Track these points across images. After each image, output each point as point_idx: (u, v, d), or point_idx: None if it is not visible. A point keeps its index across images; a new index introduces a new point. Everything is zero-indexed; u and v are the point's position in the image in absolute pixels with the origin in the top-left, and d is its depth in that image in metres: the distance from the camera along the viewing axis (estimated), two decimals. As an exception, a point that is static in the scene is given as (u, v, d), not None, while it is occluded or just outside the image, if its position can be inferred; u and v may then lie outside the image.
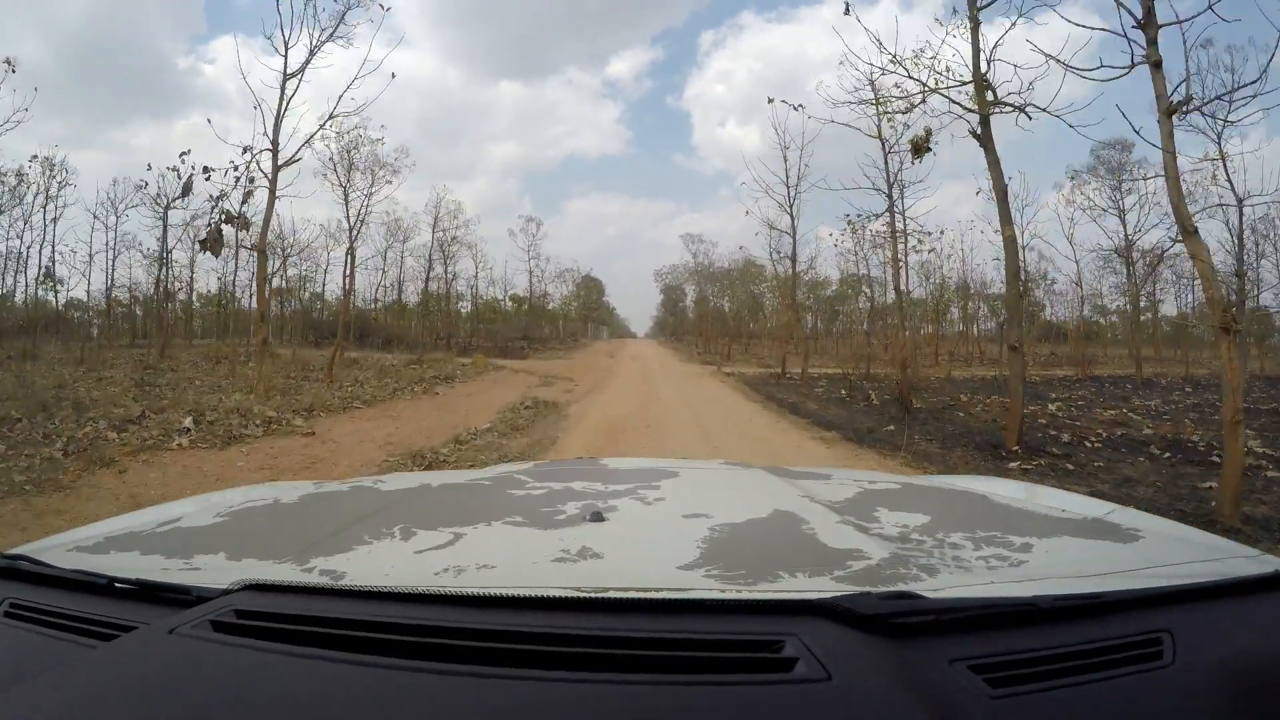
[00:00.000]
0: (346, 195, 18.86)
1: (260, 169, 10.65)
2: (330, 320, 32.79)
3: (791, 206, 15.76)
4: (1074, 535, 0.98)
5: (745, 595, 0.66)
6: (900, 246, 12.22)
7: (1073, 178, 21.36)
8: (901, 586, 0.68)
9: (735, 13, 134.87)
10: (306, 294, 31.39)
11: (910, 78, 7.28)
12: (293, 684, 0.54)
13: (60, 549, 0.92)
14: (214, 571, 0.80)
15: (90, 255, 23.73)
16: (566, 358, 28.77)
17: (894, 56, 7.27)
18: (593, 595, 0.64)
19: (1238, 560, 0.86)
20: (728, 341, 28.44)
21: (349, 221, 19.12)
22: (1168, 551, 0.91)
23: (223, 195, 11.13)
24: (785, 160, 15.47)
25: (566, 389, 13.43)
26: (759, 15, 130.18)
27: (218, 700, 0.52)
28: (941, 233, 15.21)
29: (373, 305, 34.16)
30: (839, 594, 0.61)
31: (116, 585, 0.73)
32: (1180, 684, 0.56)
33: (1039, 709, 0.53)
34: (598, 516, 0.94)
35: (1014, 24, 6.35)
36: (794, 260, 16.73)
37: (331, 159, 18.25)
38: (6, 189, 20.45)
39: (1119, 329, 27.52)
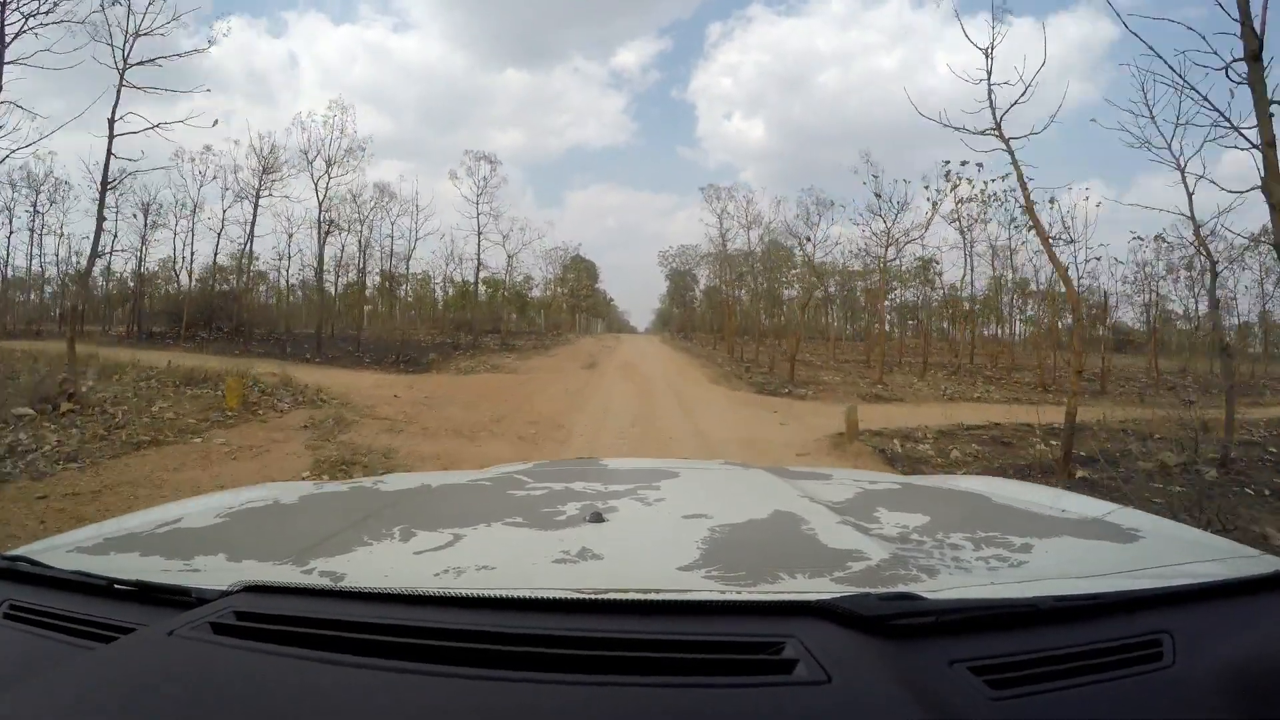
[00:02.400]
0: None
1: None
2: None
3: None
4: (1074, 535, 0.98)
5: (745, 596, 0.66)
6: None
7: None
8: (902, 587, 0.68)
9: (744, 4, 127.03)
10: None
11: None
12: (292, 685, 0.54)
13: (60, 550, 0.92)
14: (213, 573, 0.79)
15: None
16: (510, 371, 16.20)
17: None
18: (592, 597, 0.63)
19: (1237, 560, 0.86)
20: (791, 353, 15.30)
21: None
22: (1168, 552, 0.91)
23: None
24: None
25: None
26: (769, 8, 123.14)
27: (217, 701, 0.52)
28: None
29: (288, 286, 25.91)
30: (839, 595, 0.61)
31: (116, 587, 0.72)
32: (1180, 685, 0.55)
33: (1039, 710, 0.52)
34: (598, 517, 0.93)
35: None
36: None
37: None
38: None
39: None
